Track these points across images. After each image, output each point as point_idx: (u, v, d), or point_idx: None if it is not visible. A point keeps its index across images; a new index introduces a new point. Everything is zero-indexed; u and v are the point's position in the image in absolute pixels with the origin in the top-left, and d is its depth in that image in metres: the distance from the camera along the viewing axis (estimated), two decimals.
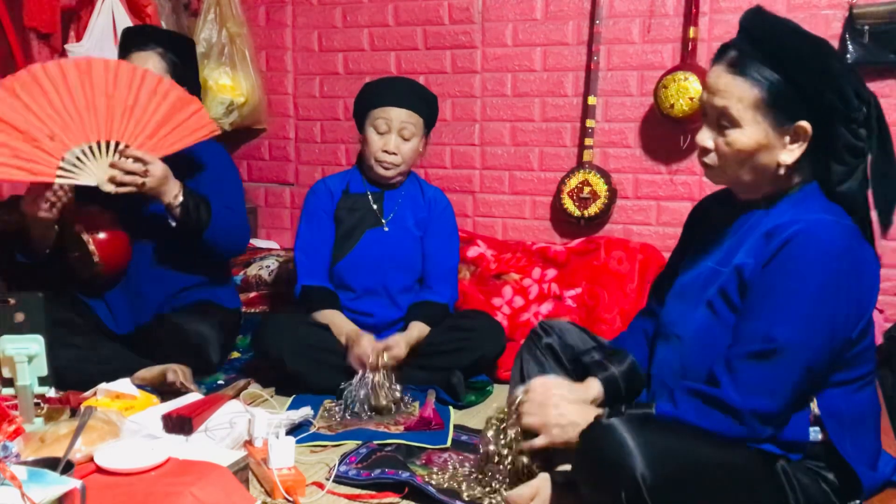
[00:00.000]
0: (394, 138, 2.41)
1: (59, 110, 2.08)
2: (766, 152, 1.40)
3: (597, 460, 1.31)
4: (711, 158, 1.46)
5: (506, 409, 1.65)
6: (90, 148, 2.11)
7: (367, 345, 2.21)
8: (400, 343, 2.26)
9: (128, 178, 2.13)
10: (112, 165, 2.13)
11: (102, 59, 2.20)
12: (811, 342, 1.32)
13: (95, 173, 2.12)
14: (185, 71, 2.49)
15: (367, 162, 2.47)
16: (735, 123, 1.39)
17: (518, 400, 1.60)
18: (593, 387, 1.61)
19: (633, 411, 1.41)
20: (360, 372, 2.18)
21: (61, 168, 2.07)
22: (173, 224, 2.27)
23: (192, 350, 2.32)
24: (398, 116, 2.41)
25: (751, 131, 1.39)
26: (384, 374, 2.17)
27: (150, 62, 2.40)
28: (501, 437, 1.63)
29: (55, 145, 2.08)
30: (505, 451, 1.62)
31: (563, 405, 1.53)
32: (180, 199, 2.23)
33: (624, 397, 1.61)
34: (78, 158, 2.10)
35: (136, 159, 2.14)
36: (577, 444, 1.38)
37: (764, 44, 1.37)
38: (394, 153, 2.41)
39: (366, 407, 2.14)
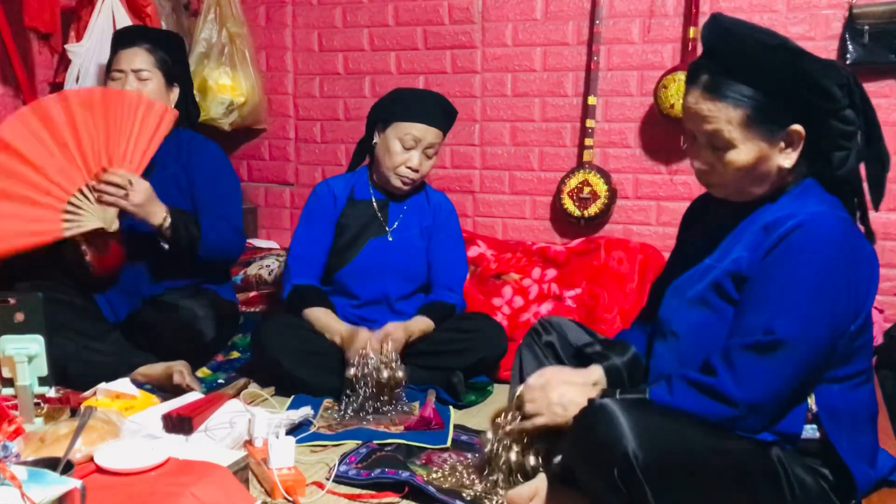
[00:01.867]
0: (418, 155, 2.37)
1: (42, 167, 2.11)
2: (764, 162, 1.40)
3: (590, 440, 1.33)
4: (712, 178, 1.47)
5: (507, 407, 1.66)
6: (82, 192, 2.15)
7: (365, 337, 2.20)
8: (398, 328, 2.24)
9: (111, 199, 2.15)
10: (93, 188, 2.16)
11: (52, 98, 2.21)
12: (811, 335, 1.32)
13: (97, 214, 2.16)
14: (175, 66, 2.51)
15: (382, 170, 2.42)
16: (729, 145, 1.39)
17: (520, 391, 1.61)
18: (595, 371, 1.62)
19: (626, 395, 1.42)
20: (364, 359, 2.16)
21: (66, 221, 2.11)
22: (165, 246, 2.30)
23: (184, 327, 2.31)
24: (427, 136, 2.36)
25: (746, 148, 1.39)
26: (387, 356, 2.15)
27: (138, 58, 2.41)
28: (501, 432, 1.63)
29: (52, 200, 2.12)
30: (504, 446, 1.62)
31: (564, 387, 1.55)
32: (168, 220, 2.24)
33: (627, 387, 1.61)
34: (76, 206, 2.13)
35: (116, 183, 2.15)
36: (571, 424, 1.39)
37: (732, 63, 1.36)
38: (416, 170, 2.39)
39: (369, 386, 2.12)
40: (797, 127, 1.37)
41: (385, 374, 2.12)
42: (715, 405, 1.34)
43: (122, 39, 2.49)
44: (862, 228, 1.44)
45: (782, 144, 1.39)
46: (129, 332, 2.34)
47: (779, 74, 1.34)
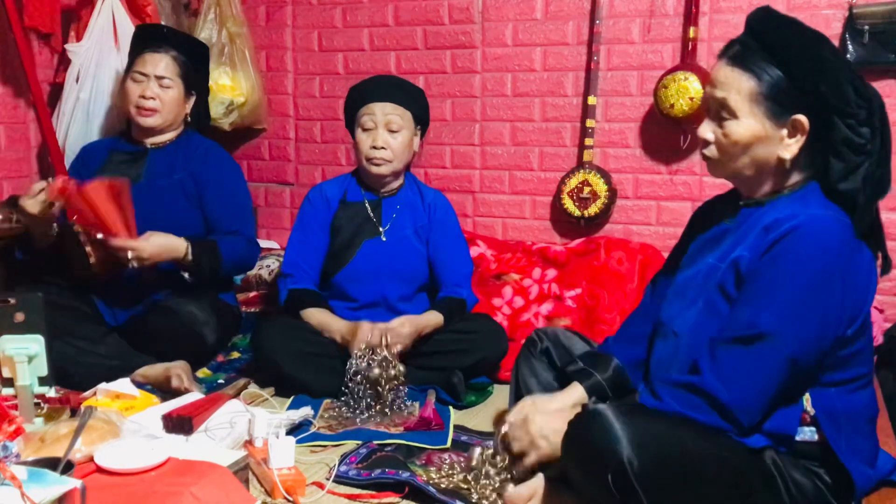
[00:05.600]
0: (381, 133, 2.39)
1: None
2: (763, 145, 1.41)
3: (584, 445, 1.33)
4: (711, 151, 1.48)
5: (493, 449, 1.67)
6: None
7: (367, 328, 2.20)
8: (406, 322, 2.24)
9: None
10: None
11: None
12: (795, 332, 1.32)
13: None
14: (196, 75, 2.50)
15: (360, 165, 2.46)
16: (733, 115, 1.41)
17: (503, 433, 1.62)
18: (575, 392, 1.62)
19: (620, 401, 1.42)
20: (366, 352, 2.17)
21: None
22: (186, 276, 2.35)
23: (187, 332, 2.31)
24: (382, 110, 2.39)
25: (748, 123, 1.40)
26: (388, 354, 2.15)
27: (163, 63, 2.40)
28: (492, 472, 1.64)
29: None
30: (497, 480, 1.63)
31: (543, 417, 1.55)
32: (189, 258, 2.31)
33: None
34: None
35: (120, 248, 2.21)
36: (566, 430, 1.39)
37: (765, 37, 1.39)
38: (382, 147, 2.39)
39: (365, 383, 2.11)
40: (802, 117, 1.38)
41: (376, 371, 2.10)
42: (698, 402, 1.34)
43: (149, 40, 2.45)
44: (879, 258, 1.42)
45: (784, 133, 1.40)
46: (129, 335, 2.33)
47: (801, 55, 1.36)
